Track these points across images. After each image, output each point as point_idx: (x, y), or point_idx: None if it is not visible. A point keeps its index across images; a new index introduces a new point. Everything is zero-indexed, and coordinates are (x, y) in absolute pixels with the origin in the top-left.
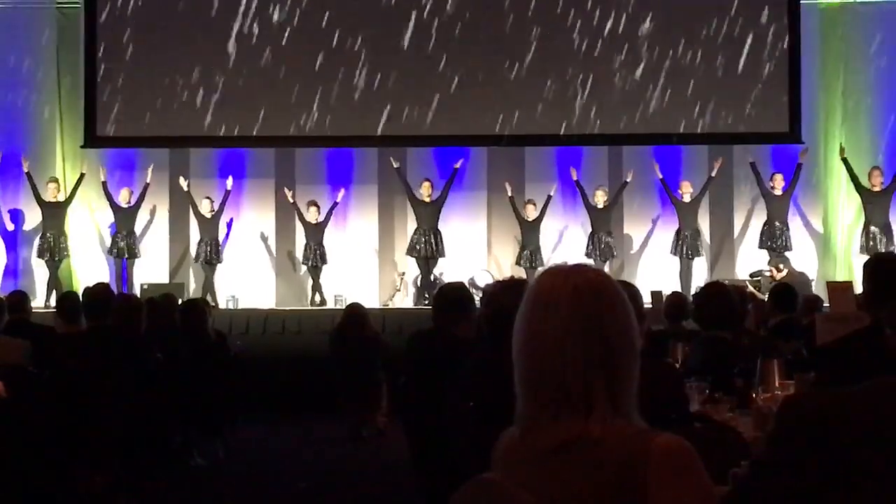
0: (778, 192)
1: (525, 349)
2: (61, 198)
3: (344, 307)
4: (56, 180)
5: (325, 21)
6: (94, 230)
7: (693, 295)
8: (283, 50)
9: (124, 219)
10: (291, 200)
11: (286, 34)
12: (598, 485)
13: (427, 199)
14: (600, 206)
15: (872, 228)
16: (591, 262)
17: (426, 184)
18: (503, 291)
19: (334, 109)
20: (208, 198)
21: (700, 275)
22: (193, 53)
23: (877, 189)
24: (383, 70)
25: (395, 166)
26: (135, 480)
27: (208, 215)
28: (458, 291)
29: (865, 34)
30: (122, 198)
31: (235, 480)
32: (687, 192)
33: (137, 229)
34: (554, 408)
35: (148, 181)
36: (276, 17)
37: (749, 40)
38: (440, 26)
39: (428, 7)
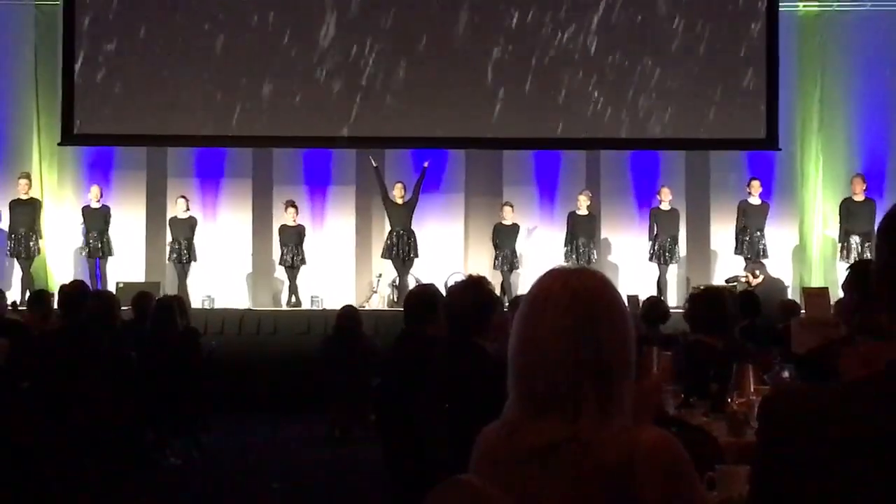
0: (755, 200)
1: (519, 347)
2: (35, 194)
3: (321, 308)
4: (27, 176)
5: (305, 21)
6: (71, 228)
7: (688, 296)
8: (262, 49)
9: (94, 219)
10: (374, 164)
11: (265, 34)
12: (586, 486)
13: (399, 201)
14: (583, 212)
15: (853, 238)
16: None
17: (398, 185)
18: (461, 291)
19: (312, 109)
20: (183, 197)
21: (676, 280)
22: (172, 52)
23: (858, 198)
24: (361, 71)
25: (373, 164)
26: (107, 479)
27: (183, 216)
28: (426, 293)
29: (843, 42)
30: (93, 195)
31: (209, 480)
32: (666, 199)
33: (112, 227)
34: (542, 407)
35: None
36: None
37: (727, 47)
38: (420, 28)
39: (407, 9)
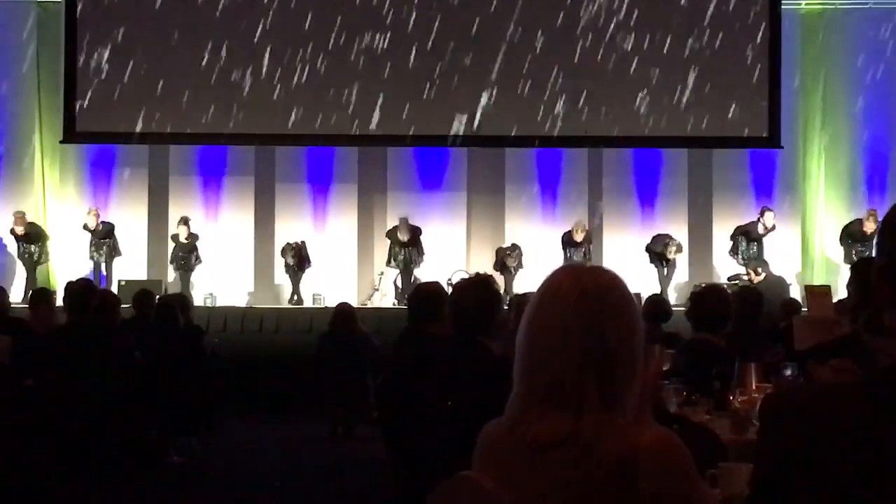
0: (762, 229)
1: (526, 341)
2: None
3: (323, 306)
4: (22, 215)
5: (307, 19)
6: (74, 226)
7: (690, 294)
8: (264, 47)
9: (98, 235)
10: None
11: (268, 32)
12: (588, 483)
13: (404, 239)
14: (578, 239)
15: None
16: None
17: (404, 222)
18: (468, 289)
19: (315, 107)
20: (184, 222)
21: (678, 278)
22: (174, 50)
23: (867, 229)
24: (365, 69)
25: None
26: (110, 476)
27: (185, 241)
28: (432, 290)
29: (846, 40)
30: (89, 221)
31: (211, 478)
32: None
33: (114, 229)
34: (545, 402)
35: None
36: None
37: (729, 45)
38: (421, 26)
39: (409, 7)
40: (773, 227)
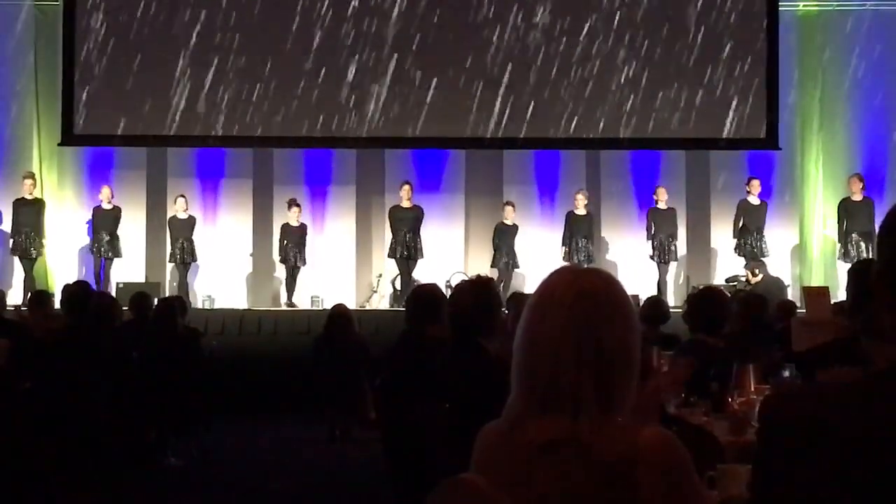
0: (755, 199)
1: (523, 344)
2: (38, 194)
3: (321, 308)
4: (32, 175)
5: (305, 21)
6: (72, 228)
7: (687, 296)
8: (262, 49)
9: (104, 220)
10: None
11: (265, 34)
12: (586, 484)
13: (406, 205)
14: (581, 211)
15: (853, 236)
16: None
17: (406, 187)
18: (468, 291)
19: (313, 110)
20: (182, 196)
21: (676, 280)
22: (172, 52)
23: (856, 198)
24: (363, 71)
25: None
26: (108, 479)
27: (182, 215)
28: (430, 292)
29: (843, 41)
30: (104, 196)
31: (209, 481)
32: (663, 198)
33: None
34: (543, 405)
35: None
36: None
37: (727, 47)
38: (420, 28)
39: (407, 8)
40: (766, 205)
